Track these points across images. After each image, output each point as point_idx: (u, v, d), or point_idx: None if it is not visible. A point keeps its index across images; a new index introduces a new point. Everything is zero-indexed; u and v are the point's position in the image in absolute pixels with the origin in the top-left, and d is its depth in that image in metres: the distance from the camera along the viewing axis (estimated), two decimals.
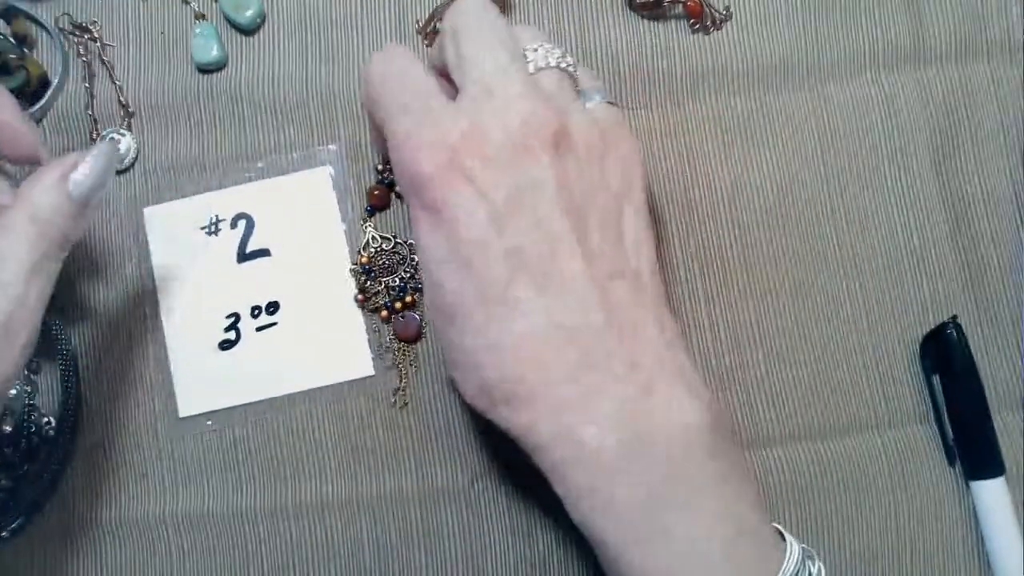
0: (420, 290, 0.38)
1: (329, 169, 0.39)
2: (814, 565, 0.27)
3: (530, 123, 0.28)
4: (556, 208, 0.28)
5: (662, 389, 0.27)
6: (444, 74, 0.31)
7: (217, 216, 0.39)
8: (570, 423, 0.27)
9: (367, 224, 0.38)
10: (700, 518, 0.26)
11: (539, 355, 0.27)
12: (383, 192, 0.38)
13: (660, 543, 0.26)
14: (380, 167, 0.38)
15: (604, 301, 0.27)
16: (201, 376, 0.38)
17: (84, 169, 0.30)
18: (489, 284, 0.27)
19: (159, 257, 0.38)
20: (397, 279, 0.38)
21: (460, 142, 0.28)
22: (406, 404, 0.38)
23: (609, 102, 0.31)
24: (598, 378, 0.27)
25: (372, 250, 0.38)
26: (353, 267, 0.38)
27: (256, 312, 0.38)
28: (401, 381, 0.38)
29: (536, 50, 0.30)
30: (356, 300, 0.38)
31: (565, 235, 0.27)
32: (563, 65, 0.30)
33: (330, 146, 0.39)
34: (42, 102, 0.39)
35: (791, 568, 0.26)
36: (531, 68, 0.30)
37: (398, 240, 0.38)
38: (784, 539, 0.28)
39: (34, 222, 0.29)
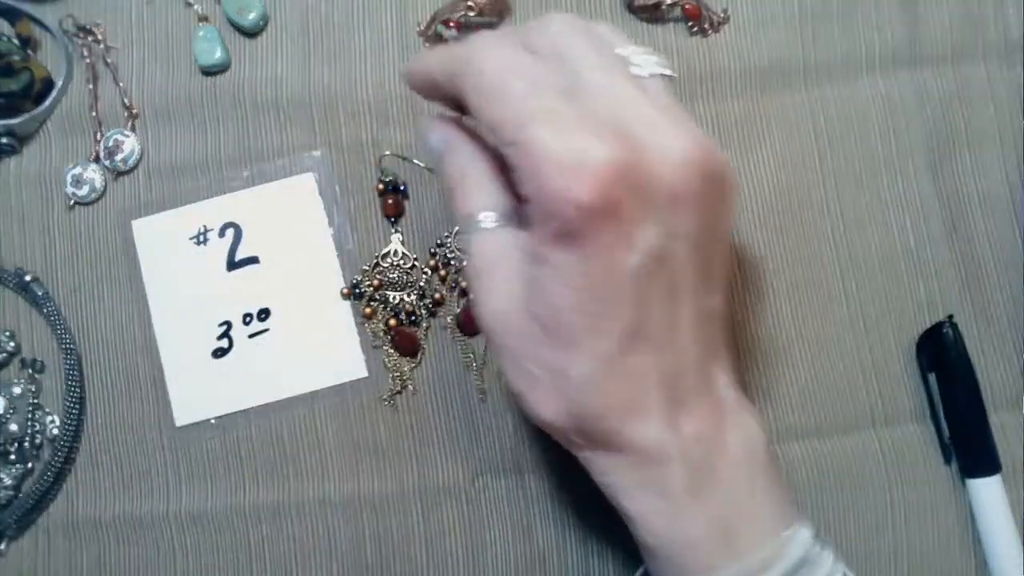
0: (432, 313, 0.38)
1: (313, 175, 0.39)
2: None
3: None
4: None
5: (736, 416, 0.28)
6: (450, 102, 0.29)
7: (205, 226, 0.39)
8: (659, 458, 0.26)
9: (393, 233, 0.38)
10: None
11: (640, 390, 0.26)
12: (396, 200, 0.38)
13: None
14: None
15: (702, 337, 0.27)
16: (196, 385, 0.38)
17: None
18: (628, 321, 0.26)
19: (149, 268, 0.39)
20: (411, 295, 0.38)
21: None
22: (395, 404, 0.38)
23: None
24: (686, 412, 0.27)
25: (388, 263, 0.38)
26: (365, 269, 0.38)
27: (248, 319, 0.38)
28: (396, 384, 0.38)
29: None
30: (342, 293, 0.38)
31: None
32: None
33: (314, 152, 0.39)
34: (46, 104, 0.39)
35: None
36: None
37: (416, 263, 0.38)
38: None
39: None
